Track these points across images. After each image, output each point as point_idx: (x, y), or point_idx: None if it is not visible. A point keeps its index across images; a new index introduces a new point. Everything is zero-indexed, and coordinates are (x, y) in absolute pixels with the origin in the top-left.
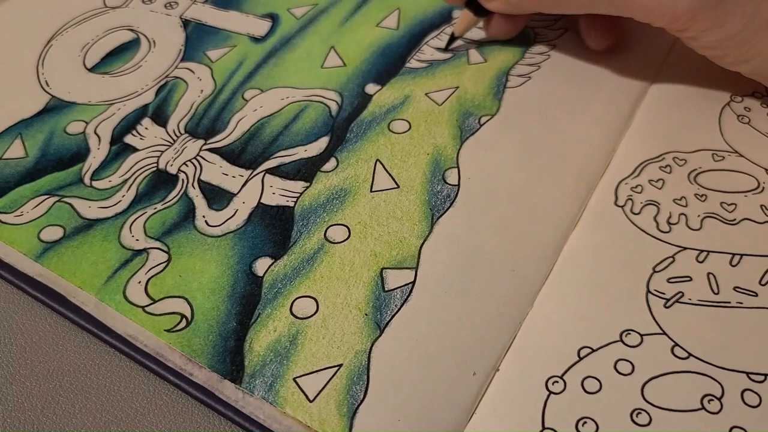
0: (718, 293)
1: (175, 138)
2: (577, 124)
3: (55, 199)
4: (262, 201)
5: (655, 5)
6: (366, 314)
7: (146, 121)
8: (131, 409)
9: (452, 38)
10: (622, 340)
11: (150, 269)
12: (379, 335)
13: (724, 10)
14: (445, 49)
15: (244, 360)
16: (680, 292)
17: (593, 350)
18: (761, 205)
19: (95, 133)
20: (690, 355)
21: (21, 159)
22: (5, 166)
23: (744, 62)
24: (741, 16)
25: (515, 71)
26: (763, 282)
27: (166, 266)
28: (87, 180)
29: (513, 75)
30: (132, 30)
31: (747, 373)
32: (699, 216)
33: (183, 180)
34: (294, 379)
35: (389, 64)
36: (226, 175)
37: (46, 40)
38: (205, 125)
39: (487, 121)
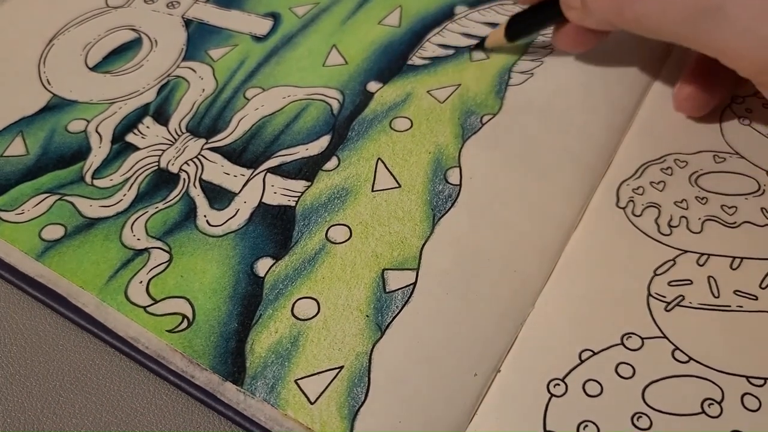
0: (718, 297)
1: (176, 137)
2: (578, 123)
3: (56, 197)
4: (263, 200)
5: (745, 53)
6: (367, 316)
7: (148, 120)
8: (131, 410)
9: (480, 44)
10: (623, 344)
11: (151, 269)
12: (380, 337)
13: None
14: (474, 49)
15: (245, 361)
16: (681, 295)
17: (594, 353)
18: (761, 208)
19: (96, 131)
20: (690, 359)
21: (22, 157)
22: (6, 164)
23: None
24: None
25: (518, 68)
26: (764, 285)
27: (168, 266)
28: (88, 178)
29: (515, 72)
30: (134, 30)
31: (747, 377)
32: (700, 219)
33: (184, 179)
34: (295, 381)
35: (391, 62)
36: (228, 174)
37: (48, 40)
38: (206, 124)
39: (489, 120)
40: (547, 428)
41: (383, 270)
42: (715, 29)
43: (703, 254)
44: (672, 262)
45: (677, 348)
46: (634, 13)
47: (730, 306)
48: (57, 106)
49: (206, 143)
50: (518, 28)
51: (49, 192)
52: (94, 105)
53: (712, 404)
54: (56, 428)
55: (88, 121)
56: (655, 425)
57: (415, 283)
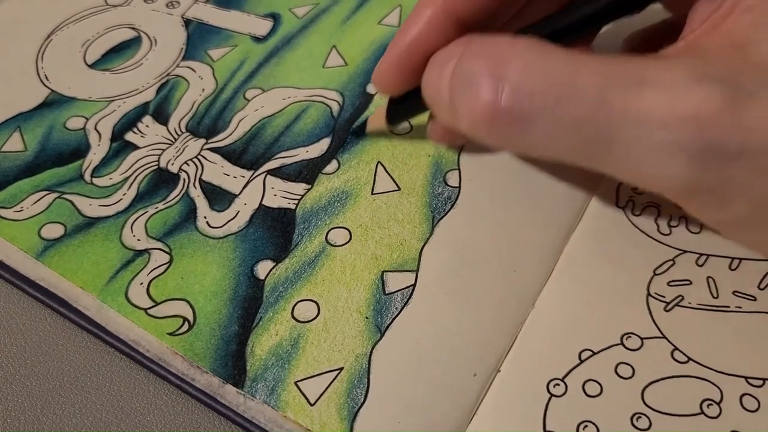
0: (717, 297)
1: (176, 136)
2: None
3: (56, 195)
4: (263, 203)
5: (644, 173)
6: (367, 317)
7: (147, 119)
8: (132, 409)
9: (361, 130)
10: (622, 344)
11: (152, 270)
12: (380, 338)
13: (727, 192)
14: (352, 134)
15: (246, 364)
16: (680, 295)
17: (594, 353)
18: None
19: (95, 129)
20: (689, 359)
21: (20, 152)
22: (4, 159)
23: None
24: (747, 200)
25: None
26: (762, 286)
27: (168, 267)
28: (87, 177)
29: None
30: (133, 28)
31: (745, 378)
32: None
33: (184, 179)
34: (295, 383)
35: None
36: (228, 175)
37: (46, 35)
38: (206, 124)
39: None
40: (547, 428)
41: (383, 272)
42: (612, 158)
43: (702, 254)
44: (671, 262)
45: (676, 348)
46: (519, 145)
47: (728, 306)
48: (55, 102)
49: (206, 143)
50: (397, 111)
51: (48, 189)
52: (93, 102)
53: (711, 405)
54: (56, 428)
55: (87, 119)
56: (654, 426)
57: (414, 285)
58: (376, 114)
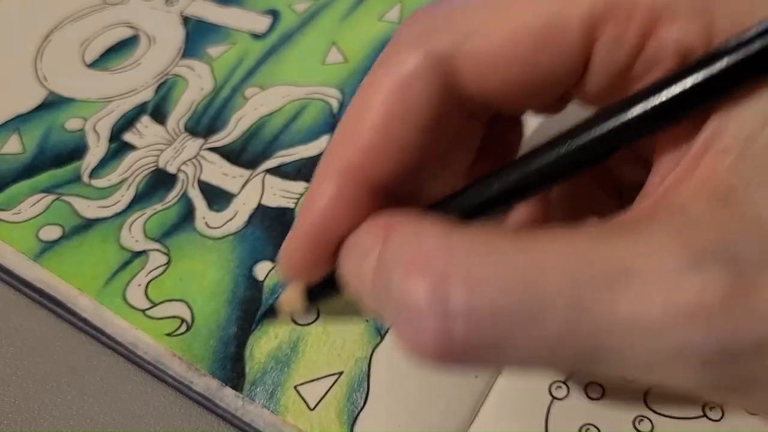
0: None
1: (174, 137)
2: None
3: (54, 197)
4: (262, 202)
5: (649, 378)
6: (366, 320)
7: (146, 119)
8: (129, 412)
9: (271, 311)
10: None
11: (150, 272)
12: (380, 341)
13: (752, 386)
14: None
15: (244, 367)
16: None
17: None
18: None
19: (94, 130)
20: None
21: (18, 155)
22: (2, 161)
23: None
24: None
25: None
26: None
27: (166, 269)
28: (86, 178)
29: None
30: (131, 27)
31: None
32: None
33: (183, 180)
34: (295, 387)
35: None
36: (226, 175)
37: (44, 35)
38: (205, 124)
39: None
40: (549, 431)
41: None
42: (607, 367)
43: None
44: None
45: None
46: (485, 368)
47: None
48: (54, 103)
49: (205, 143)
50: (317, 293)
51: (46, 191)
52: (91, 103)
53: (714, 407)
54: (54, 429)
55: (86, 120)
56: (656, 428)
57: None
58: (289, 293)
